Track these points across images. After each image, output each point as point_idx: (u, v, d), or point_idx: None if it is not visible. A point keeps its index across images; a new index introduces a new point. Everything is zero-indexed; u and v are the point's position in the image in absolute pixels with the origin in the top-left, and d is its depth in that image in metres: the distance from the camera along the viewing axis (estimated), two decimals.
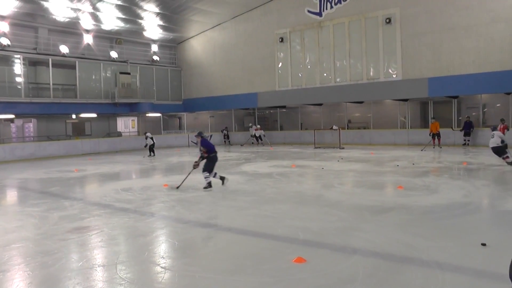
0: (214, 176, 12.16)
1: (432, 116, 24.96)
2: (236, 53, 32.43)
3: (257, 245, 6.49)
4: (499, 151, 15.13)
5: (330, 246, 6.35)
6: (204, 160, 12.04)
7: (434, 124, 23.23)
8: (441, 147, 22.47)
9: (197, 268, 5.60)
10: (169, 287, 5.10)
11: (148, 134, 24.83)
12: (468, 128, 23.39)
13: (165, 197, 11.05)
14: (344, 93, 27.39)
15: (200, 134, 12.32)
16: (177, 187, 11.89)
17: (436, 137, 23.18)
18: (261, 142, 31.23)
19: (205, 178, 11.84)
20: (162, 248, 6.77)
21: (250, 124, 33.05)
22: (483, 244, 5.97)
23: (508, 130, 18.32)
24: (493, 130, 15.43)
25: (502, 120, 19.87)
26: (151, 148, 24.55)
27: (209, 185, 11.79)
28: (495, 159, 16.40)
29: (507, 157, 15.02)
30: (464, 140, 23.78)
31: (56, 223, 8.36)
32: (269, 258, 5.81)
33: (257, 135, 31.06)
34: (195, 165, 12.09)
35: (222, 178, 12.37)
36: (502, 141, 15.04)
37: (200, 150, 12.07)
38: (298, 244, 6.50)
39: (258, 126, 31.96)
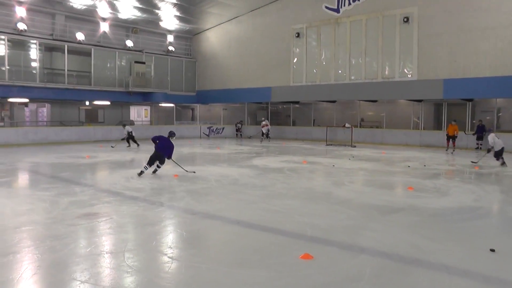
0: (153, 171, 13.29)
1: (453, 119, 24.40)
2: (252, 47, 32.37)
3: (264, 240, 6.49)
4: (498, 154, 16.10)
5: (337, 244, 6.34)
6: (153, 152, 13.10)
7: (453, 126, 22.74)
8: (454, 151, 22.26)
9: (204, 259, 5.62)
10: (176, 277, 5.13)
11: (128, 127, 23.94)
12: (481, 132, 23.16)
13: (175, 188, 11.10)
14: (358, 91, 27.26)
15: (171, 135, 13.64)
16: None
17: (451, 139, 22.91)
18: (269, 138, 30.92)
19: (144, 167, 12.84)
20: (170, 238, 6.80)
21: (263, 119, 32.95)
22: (492, 250, 5.92)
23: None
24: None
25: None
26: (128, 140, 23.66)
27: (141, 172, 12.73)
28: (507, 164, 16.26)
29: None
30: (477, 144, 23.54)
31: (66, 208, 8.43)
32: (276, 253, 5.81)
33: (264, 131, 30.78)
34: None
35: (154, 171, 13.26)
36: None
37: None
38: (306, 240, 6.50)
39: (264, 123, 31.66)
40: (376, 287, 4.76)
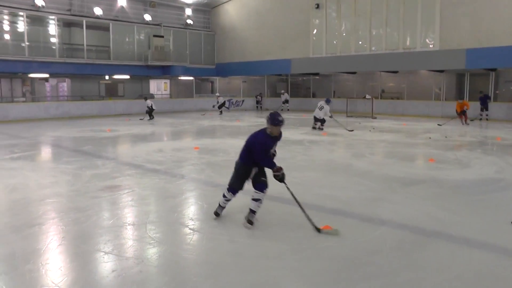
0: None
1: (460, 97, 23.86)
2: (271, 19, 31.98)
3: (285, 212, 6.52)
4: None
5: (357, 216, 6.35)
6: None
7: (460, 103, 22.15)
8: (468, 123, 21.91)
9: (225, 231, 5.69)
10: (197, 248, 5.21)
11: (148, 101, 24.10)
12: (484, 103, 22.75)
13: (195, 160, 11.17)
14: (379, 62, 26.88)
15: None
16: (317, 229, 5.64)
17: (462, 114, 22.45)
18: (287, 107, 31.23)
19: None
20: (191, 210, 6.89)
21: (282, 91, 32.85)
22: None
23: None
24: None
25: None
26: (150, 113, 23.92)
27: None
28: None
29: None
30: (480, 114, 23.11)
31: (88, 181, 8.56)
32: (297, 225, 5.83)
33: (283, 99, 31.31)
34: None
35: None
36: None
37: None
38: (326, 212, 6.52)
39: (282, 91, 32.01)
40: (396, 259, 4.78)
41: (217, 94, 31.08)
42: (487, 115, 22.83)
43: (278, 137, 5.97)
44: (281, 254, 4.90)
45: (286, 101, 31.61)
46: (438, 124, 20.56)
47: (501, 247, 5.16)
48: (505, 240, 5.35)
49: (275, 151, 6.11)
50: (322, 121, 18.10)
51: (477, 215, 6.49)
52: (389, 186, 8.19)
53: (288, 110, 30.95)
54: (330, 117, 17.87)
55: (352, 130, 17.81)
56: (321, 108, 17.90)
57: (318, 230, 5.49)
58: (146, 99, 24.59)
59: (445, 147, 13.46)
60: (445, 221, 6.05)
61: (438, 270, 4.51)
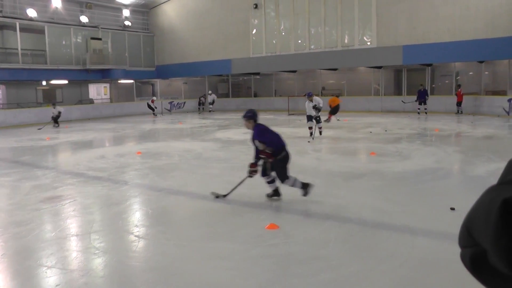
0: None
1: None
2: (210, 19, 31.90)
3: (230, 212, 6.51)
4: None
5: (302, 212, 6.42)
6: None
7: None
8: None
9: (172, 235, 5.61)
10: (144, 255, 5.11)
11: (58, 108, 23.19)
12: (423, 97, 23.56)
13: (139, 165, 11.00)
14: (319, 60, 27.34)
15: (251, 117, 6.90)
16: (224, 196, 7.02)
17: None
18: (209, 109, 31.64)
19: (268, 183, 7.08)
20: (136, 217, 6.76)
21: (210, 92, 32.71)
22: (452, 209, 6.09)
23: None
24: None
25: (459, 86, 23.14)
26: (56, 119, 22.97)
27: (276, 193, 7.11)
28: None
29: None
30: (419, 109, 23.90)
31: (28, 192, 8.24)
32: (243, 225, 5.85)
33: (210, 100, 31.50)
34: (252, 171, 6.99)
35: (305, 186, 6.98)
36: None
37: (261, 149, 6.82)
38: (271, 210, 6.55)
39: (209, 92, 32.16)
40: (342, 252, 4.86)
41: (154, 97, 31.18)
42: (425, 108, 23.54)
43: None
44: (230, 255, 4.87)
45: (213, 102, 31.62)
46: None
47: (443, 232, 5.33)
48: (446, 225, 5.53)
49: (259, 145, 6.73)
50: (318, 120, 14.88)
51: (419, 203, 6.70)
52: (333, 181, 8.34)
53: (211, 111, 31.02)
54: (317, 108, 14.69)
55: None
56: (314, 106, 14.63)
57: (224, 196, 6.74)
58: (54, 105, 23.52)
59: (386, 141, 13.81)
60: (389, 212, 6.21)
61: (383, 259, 4.62)
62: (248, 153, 12.12)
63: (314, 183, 7.99)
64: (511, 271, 0.55)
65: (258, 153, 6.81)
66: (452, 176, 9.26)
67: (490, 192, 0.61)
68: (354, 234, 5.44)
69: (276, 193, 7.02)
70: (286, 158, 6.79)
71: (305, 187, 6.85)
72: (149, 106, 29.41)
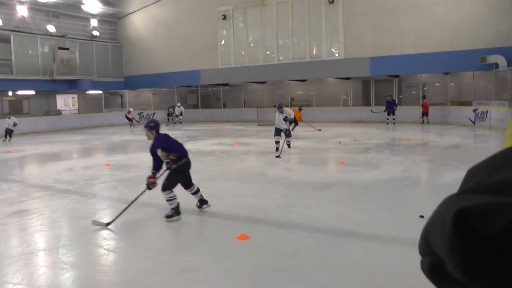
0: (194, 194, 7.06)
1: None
2: (178, 30, 31.84)
3: (200, 224, 6.47)
4: None
5: (273, 223, 6.40)
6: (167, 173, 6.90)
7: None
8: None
9: (141, 249, 5.53)
10: (113, 269, 5.02)
11: (13, 119, 22.09)
12: (391, 108, 23.87)
13: (107, 177, 10.84)
14: (287, 71, 27.53)
15: (153, 127, 7.06)
16: (107, 224, 6.40)
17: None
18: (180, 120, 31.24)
19: (168, 200, 6.64)
20: (105, 230, 6.63)
21: (178, 104, 32.32)
22: (421, 216, 6.15)
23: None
24: None
25: (424, 97, 23.76)
26: (10, 132, 21.88)
27: (175, 211, 6.61)
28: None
29: None
30: (387, 119, 24.19)
31: None
32: (213, 236, 5.81)
33: (177, 112, 31.15)
34: (152, 183, 6.79)
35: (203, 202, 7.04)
36: None
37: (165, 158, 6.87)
38: (242, 221, 6.51)
39: (178, 104, 31.84)
40: (312, 262, 4.85)
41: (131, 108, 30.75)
42: (394, 119, 23.81)
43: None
44: (200, 267, 4.81)
45: (181, 114, 31.28)
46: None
47: (411, 239, 5.34)
48: (415, 232, 5.46)
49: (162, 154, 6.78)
50: (288, 134, 13.58)
51: (388, 212, 6.75)
52: (303, 191, 8.34)
53: (180, 123, 30.82)
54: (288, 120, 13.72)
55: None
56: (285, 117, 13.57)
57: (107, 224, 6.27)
58: (10, 116, 22.50)
59: (355, 150, 13.92)
60: (358, 221, 6.23)
61: (353, 268, 4.63)
62: (217, 164, 12.14)
63: (284, 193, 7.99)
64: (467, 278, 0.55)
65: (157, 164, 6.82)
66: (420, 184, 9.39)
67: (447, 202, 0.61)
68: (325, 243, 5.44)
69: (203, 201, 6.97)
70: (187, 164, 6.91)
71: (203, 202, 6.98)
72: (126, 117, 29.05)
